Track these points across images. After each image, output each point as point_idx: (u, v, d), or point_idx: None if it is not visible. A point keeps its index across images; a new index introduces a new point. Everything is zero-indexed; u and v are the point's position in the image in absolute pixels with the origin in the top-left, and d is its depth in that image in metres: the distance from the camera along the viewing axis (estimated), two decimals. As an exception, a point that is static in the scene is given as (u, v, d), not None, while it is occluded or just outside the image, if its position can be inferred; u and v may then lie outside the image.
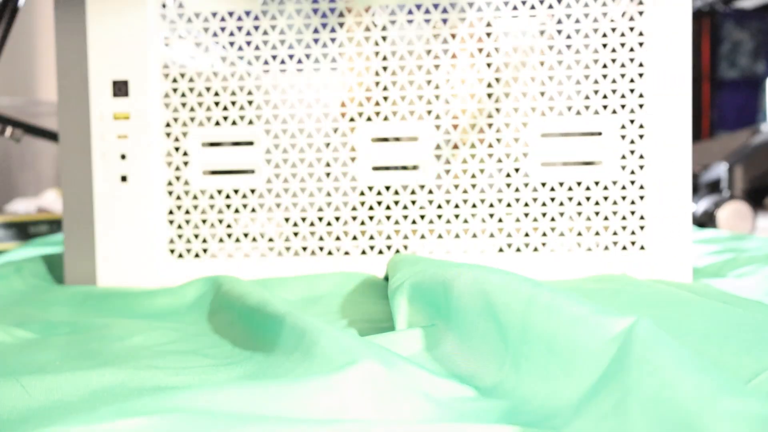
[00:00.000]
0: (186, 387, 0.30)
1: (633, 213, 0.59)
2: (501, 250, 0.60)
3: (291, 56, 0.61)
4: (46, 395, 0.31)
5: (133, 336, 0.44)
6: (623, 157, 0.59)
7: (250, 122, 0.62)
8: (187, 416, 0.25)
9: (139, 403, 0.26)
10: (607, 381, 0.22)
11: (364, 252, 0.61)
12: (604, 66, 0.59)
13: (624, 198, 0.59)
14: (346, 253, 0.62)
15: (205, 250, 0.62)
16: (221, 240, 0.62)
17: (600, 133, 0.59)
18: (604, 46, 0.59)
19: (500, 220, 0.60)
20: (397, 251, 0.61)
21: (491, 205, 0.60)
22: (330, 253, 0.62)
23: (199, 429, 0.24)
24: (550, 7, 0.59)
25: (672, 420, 0.20)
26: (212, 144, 0.63)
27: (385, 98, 0.61)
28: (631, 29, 0.58)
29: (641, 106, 0.58)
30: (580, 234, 0.60)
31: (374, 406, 0.28)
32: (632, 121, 0.59)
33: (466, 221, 0.61)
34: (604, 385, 0.22)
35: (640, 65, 0.58)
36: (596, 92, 0.59)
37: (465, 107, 0.60)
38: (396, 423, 0.26)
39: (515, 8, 0.59)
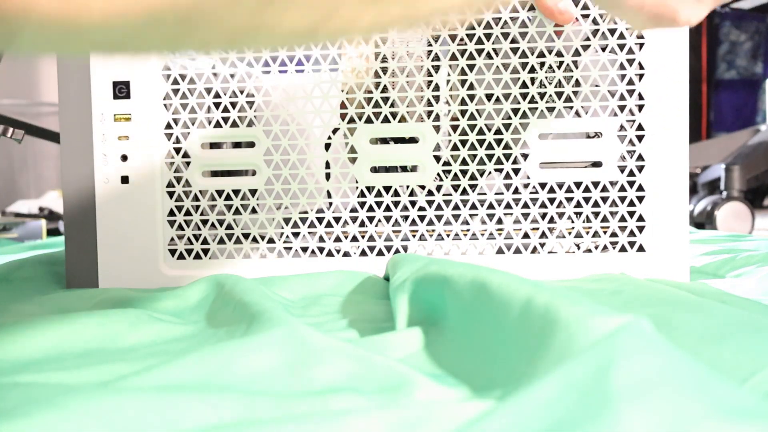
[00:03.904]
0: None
1: (632, 214, 0.59)
2: (500, 251, 0.61)
3: (291, 58, 0.61)
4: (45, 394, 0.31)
5: (130, 335, 0.44)
6: (622, 158, 0.59)
7: (251, 123, 0.62)
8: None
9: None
10: (585, 376, 0.23)
11: (364, 253, 0.62)
12: (603, 68, 0.59)
13: (623, 199, 0.59)
14: (346, 254, 0.62)
15: (205, 251, 0.62)
16: (222, 241, 0.63)
17: (600, 135, 0.60)
18: (603, 48, 0.59)
19: (500, 221, 0.61)
20: (397, 251, 0.61)
21: (491, 206, 0.61)
22: (330, 254, 0.62)
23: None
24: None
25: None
26: (213, 145, 0.63)
27: (385, 100, 0.61)
28: (630, 30, 0.58)
29: (640, 107, 0.59)
30: (579, 235, 0.60)
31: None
32: (631, 123, 0.59)
33: (466, 222, 0.61)
34: (579, 379, 0.22)
35: (640, 66, 0.58)
36: (595, 95, 0.59)
37: (464, 108, 0.60)
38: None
39: (515, 10, 0.59)
